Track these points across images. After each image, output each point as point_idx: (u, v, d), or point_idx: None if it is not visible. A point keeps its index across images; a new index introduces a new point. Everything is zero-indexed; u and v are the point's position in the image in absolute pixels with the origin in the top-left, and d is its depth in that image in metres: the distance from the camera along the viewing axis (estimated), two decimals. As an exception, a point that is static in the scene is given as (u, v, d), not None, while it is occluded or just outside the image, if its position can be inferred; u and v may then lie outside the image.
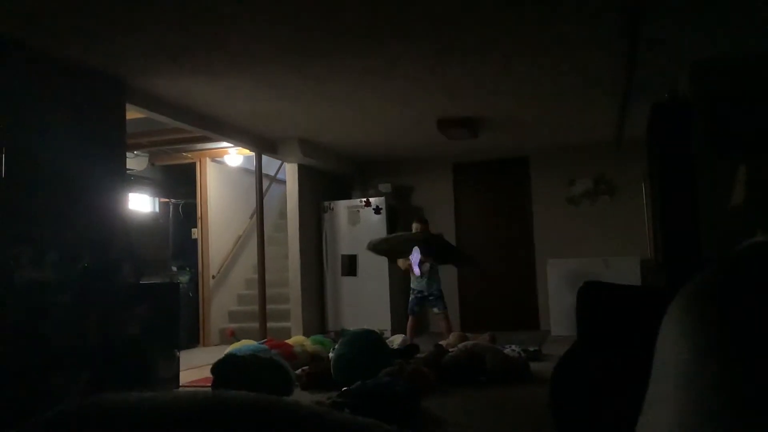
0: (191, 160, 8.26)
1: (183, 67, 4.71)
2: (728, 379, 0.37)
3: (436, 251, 6.53)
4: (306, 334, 7.06)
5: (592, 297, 2.09)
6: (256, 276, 7.67)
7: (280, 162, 8.41)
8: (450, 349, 5.25)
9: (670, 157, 5.02)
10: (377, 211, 8.07)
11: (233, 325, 8.16)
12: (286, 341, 5.89)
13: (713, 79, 4.75)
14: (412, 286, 6.65)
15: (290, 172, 7.95)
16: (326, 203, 8.33)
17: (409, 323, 6.65)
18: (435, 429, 3.38)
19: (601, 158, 8.06)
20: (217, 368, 4.36)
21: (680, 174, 4.92)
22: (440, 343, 5.82)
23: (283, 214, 8.83)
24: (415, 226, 6.70)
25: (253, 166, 7.55)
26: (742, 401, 0.36)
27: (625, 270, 7.21)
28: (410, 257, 6.42)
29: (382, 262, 7.95)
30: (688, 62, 4.77)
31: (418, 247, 6.39)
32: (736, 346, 0.38)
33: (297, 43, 4.30)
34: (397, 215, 8.50)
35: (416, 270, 6.40)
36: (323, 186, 8.49)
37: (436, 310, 6.63)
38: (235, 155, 8.15)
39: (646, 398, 0.45)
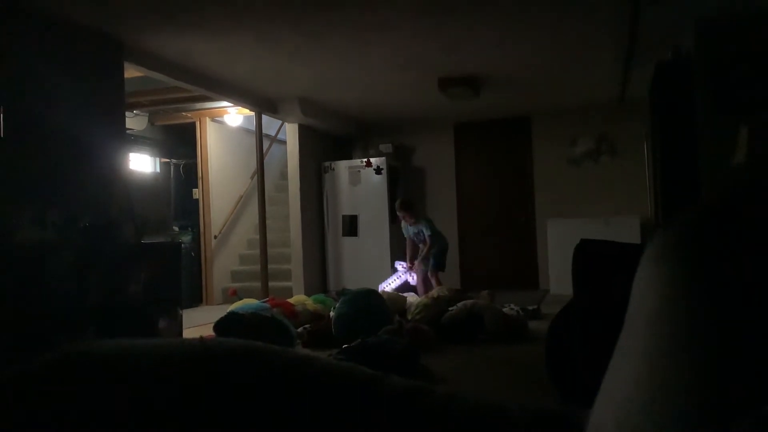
0: (191, 120, 8.22)
1: (181, 25, 4.64)
2: (694, 323, 0.38)
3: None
4: (307, 293, 7.12)
5: (589, 254, 2.10)
6: (257, 236, 7.71)
7: (280, 122, 8.37)
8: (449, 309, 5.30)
9: (672, 117, 4.99)
10: (378, 171, 8.06)
11: (235, 285, 8.23)
12: (288, 300, 5.95)
13: (717, 37, 4.68)
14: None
15: (291, 132, 7.91)
16: (327, 163, 8.32)
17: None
18: (434, 385, 3.44)
19: (603, 118, 8.00)
20: (219, 326, 4.44)
21: (682, 133, 4.88)
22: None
23: (284, 175, 8.82)
24: (400, 214, 6.85)
25: (253, 125, 7.51)
26: (706, 346, 0.37)
27: (625, 230, 7.22)
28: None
29: (383, 222, 7.99)
30: (692, 20, 4.69)
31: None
32: (704, 293, 0.39)
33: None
34: (398, 175, 8.49)
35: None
36: (324, 146, 8.46)
37: None
38: (235, 115, 8.11)
39: (616, 346, 0.46)
